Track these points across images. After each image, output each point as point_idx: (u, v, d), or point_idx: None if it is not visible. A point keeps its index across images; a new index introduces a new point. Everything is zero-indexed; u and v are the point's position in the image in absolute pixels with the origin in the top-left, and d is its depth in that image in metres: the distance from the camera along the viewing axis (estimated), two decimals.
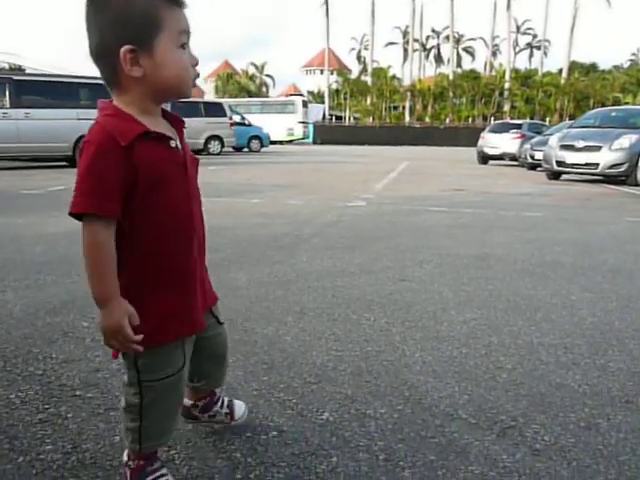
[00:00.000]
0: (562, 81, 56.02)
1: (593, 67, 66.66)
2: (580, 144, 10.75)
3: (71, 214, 1.06)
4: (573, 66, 60.64)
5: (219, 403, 1.57)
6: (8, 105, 11.40)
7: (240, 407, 1.60)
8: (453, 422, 1.66)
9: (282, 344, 2.26)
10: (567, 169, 11.06)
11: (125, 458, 1.32)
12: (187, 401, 1.54)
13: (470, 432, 1.61)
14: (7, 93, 11.43)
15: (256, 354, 2.15)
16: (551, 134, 13.50)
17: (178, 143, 1.18)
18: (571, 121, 16.71)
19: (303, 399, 1.79)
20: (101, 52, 1.09)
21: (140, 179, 1.08)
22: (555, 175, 11.58)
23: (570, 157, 10.83)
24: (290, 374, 1.97)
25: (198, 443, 1.54)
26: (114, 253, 1.08)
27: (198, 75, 1.18)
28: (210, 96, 60.11)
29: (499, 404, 1.78)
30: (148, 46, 1.07)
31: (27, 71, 19.43)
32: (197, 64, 1.16)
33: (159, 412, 1.25)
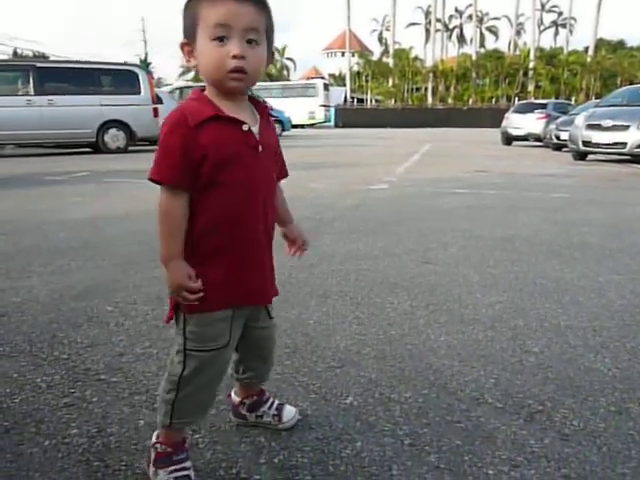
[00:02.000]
0: (588, 59, 54.77)
1: (621, 44, 64.88)
2: (607, 123, 10.47)
3: (150, 179, 1.18)
4: (600, 44, 59.17)
5: (267, 404, 1.54)
6: (32, 92, 11.52)
7: (290, 411, 1.55)
8: (479, 407, 1.63)
9: (305, 328, 2.24)
10: (594, 149, 10.80)
11: (154, 439, 1.33)
12: (235, 398, 1.55)
13: (497, 417, 1.58)
14: (30, 80, 11.55)
15: (279, 338, 2.12)
16: (577, 114, 13.18)
17: (254, 128, 1.23)
18: (598, 100, 16.28)
19: (327, 383, 1.78)
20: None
21: (207, 157, 1.15)
22: (581, 155, 11.33)
23: (597, 137, 10.57)
24: (313, 358, 1.96)
25: (222, 427, 1.54)
26: (180, 219, 1.18)
27: (238, 67, 1.16)
28: None
29: (526, 388, 1.74)
30: (193, 40, 1.18)
31: (51, 58, 19.54)
32: (238, 56, 1.15)
33: (197, 385, 1.26)
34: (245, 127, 1.21)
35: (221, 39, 1.15)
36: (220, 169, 1.17)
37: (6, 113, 11.16)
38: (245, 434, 1.50)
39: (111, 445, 1.44)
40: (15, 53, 44.12)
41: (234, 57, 1.15)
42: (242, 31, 1.15)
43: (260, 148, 1.24)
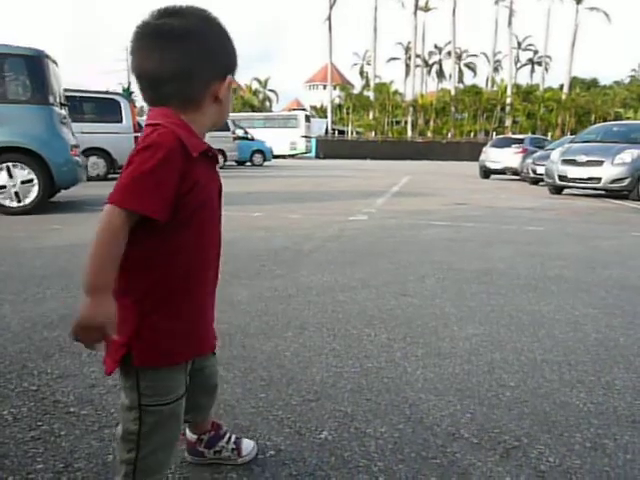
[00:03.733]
0: (563, 96, 56.23)
1: (594, 82, 67.01)
2: (582, 159, 10.74)
3: (134, 210, 1.02)
4: (574, 81, 60.95)
5: (225, 438, 1.49)
6: None
7: (249, 444, 1.52)
8: (455, 442, 1.62)
9: (281, 360, 2.22)
10: (569, 183, 11.04)
11: None
12: (192, 436, 1.48)
13: (472, 452, 1.57)
14: None
15: (254, 370, 2.11)
16: (553, 149, 13.49)
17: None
18: (573, 136, 16.72)
19: (302, 417, 1.75)
20: (192, 75, 1.13)
21: (192, 192, 1.09)
22: (557, 189, 11.57)
23: (572, 171, 10.82)
24: (289, 391, 1.94)
25: (193, 462, 1.50)
26: (123, 248, 1.04)
27: None
28: None
29: (502, 423, 1.74)
30: (231, 79, 1.19)
31: None
32: None
33: (158, 441, 1.17)
34: (217, 166, 1.23)
35: None
36: (198, 208, 1.13)
37: None
38: (216, 470, 1.47)
39: None
40: None
41: None
42: None
43: (220, 191, 1.25)
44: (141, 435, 1.15)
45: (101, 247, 1.02)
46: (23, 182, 6.47)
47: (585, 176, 10.62)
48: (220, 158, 19.49)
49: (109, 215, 1.01)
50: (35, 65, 6.49)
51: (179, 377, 1.18)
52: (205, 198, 1.15)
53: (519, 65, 67.31)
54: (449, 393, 1.95)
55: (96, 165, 12.13)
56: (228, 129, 19.83)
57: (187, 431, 1.49)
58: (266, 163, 24.43)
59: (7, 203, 6.47)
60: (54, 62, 6.91)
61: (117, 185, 1.04)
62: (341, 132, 59.62)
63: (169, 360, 1.16)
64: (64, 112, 7.10)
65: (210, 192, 1.18)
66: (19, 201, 6.47)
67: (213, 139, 18.84)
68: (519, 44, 66.18)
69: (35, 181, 6.49)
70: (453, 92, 60.45)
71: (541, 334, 2.60)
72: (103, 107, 12.44)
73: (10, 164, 6.42)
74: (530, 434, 1.67)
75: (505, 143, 18.17)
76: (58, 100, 6.86)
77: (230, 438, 1.50)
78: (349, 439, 1.63)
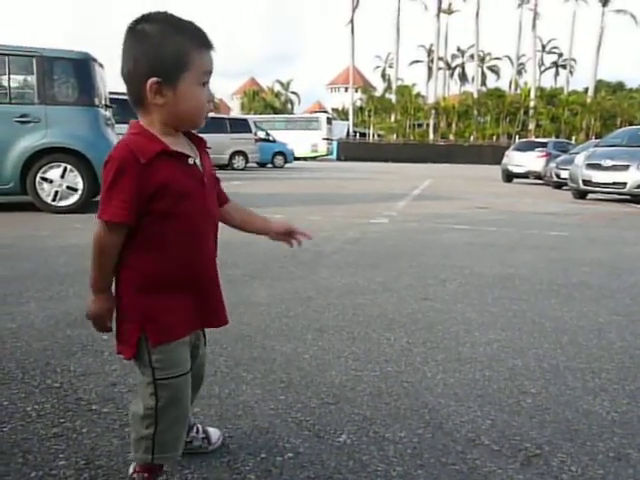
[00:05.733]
0: (588, 100, 55.53)
1: (620, 86, 66.01)
2: (607, 163, 10.58)
3: (104, 221, 1.19)
4: (599, 85, 60.14)
5: (194, 429, 1.55)
6: None
7: (215, 432, 1.59)
8: (475, 448, 1.61)
9: (300, 362, 2.22)
10: (594, 188, 10.88)
11: (131, 470, 1.32)
12: None
13: (493, 460, 1.55)
14: None
15: (274, 372, 2.11)
16: (577, 153, 13.32)
17: (197, 161, 1.28)
18: (597, 140, 16.47)
19: (320, 420, 1.75)
20: (131, 77, 1.21)
21: (158, 193, 1.18)
22: (581, 194, 11.40)
23: (597, 176, 10.66)
24: (308, 394, 1.94)
25: (213, 463, 1.51)
26: (115, 255, 1.22)
27: (213, 108, 1.35)
28: (236, 113, 60.84)
29: (523, 430, 1.72)
30: (173, 81, 1.19)
31: None
32: (213, 100, 1.31)
33: (173, 415, 1.26)
34: (190, 161, 1.25)
35: (204, 84, 1.24)
36: (173, 204, 1.20)
37: None
38: (236, 470, 1.47)
39: (99, 478, 1.41)
40: None
41: (209, 102, 1.27)
42: (209, 76, 1.26)
43: (205, 180, 1.29)
44: (158, 409, 1.25)
45: (94, 257, 1.23)
46: (69, 187, 6.66)
47: (610, 181, 10.46)
48: (241, 160, 19.64)
49: (96, 229, 1.21)
50: (82, 68, 6.68)
51: (184, 349, 1.28)
52: (182, 192, 1.21)
53: (543, 68, 66.67)
54: (469, 399, 1.93)
55: None
56: (250, 131, 19.94)
57: None
58: (287, 165, 24.50)
59: (47, 199, 6.65)
60: (100, 65, 7.09)
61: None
62: (362, 135, 59.53)
63: (173, 335, 1.25)
64: (108, 114, 7.22)
65: (184, 186, 1.22)
66: (54, 200, 6.65)
67: (234, 141, 19.01)
68: (543, 47, 65.55)
69: (79, 187, 6.65)
70: (476, 95, 60.06)
71: (564, 341, 2.57)
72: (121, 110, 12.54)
73: (69, 166, 6.60)
74: (552, 442, 1.65)
75: (528, 147, 18.00)
76: (103, 102, 7.01)
77: (199, 429, 1.56)
78: (368, 443, 1.62)
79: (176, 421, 1.28)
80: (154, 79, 1.17)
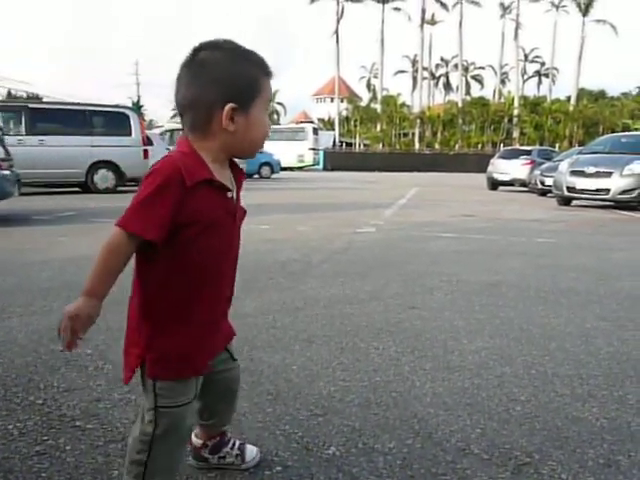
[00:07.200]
0: (571, 108, 56.20)
1: (602, 94, 66.92)
2: (590, 170, 10.69)
3: (130, 233, 1.12)
4: (582, 93, 60.88)
5: (229, 444, 1.53)
6: (24, 132, 11.58)
7: (252, 450, 1.55)
8: (465, 458, 1.59)
9: (288, 374, 2.20)
10: (578, 195, 10.97)
11: None
12: (197, 441, 1.52)
13: (483, 469, 1.54)
14: (23, 121, 11.63)
15: (262, 384, 2.09)
16: (561, 160, 13.45)
17: (234, 194, 1.26)
18: (581, 147, 16.66)
19: (309, 432, 1.73)
20: (197, 103, 1.19)
21: (191, 220, 1.15)
22: (566, 201, 11.50)
23: (581, 183, 10.76)
24: (296, 405, 1.91)
25: (200, 478, 1.48)
26: (124, 264, 1.14)
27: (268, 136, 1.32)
28: None
29: (513, 439, 1.71)
30: (247, 107, 1.19)
31: (44, 99, 19.62)
32: (270, 127, 1.31)
33: (168, 443, 1.23)
34: (229, 194, 1.24)
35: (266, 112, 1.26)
36: (201, 234, 1.17)
37: None
38: None
39: None
40: (9, 94, 44.55)
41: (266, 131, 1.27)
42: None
43: (237, 215, 1.27)
44: (155, 436, 1.21)
45: (100, 261, 1.13)
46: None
47: (594, 187, 10.56)
48: None
49: (113, 235, 1.14)
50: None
51: (190, 384, 1.24)
52: (209, 222, 1.18)
53: (526, 77, 67.36)
54: (459, 408, 1.92)
55: (105, 178, 12.20)
56: None
57: (193, 437, 1.51)
58: (274, 175, 24.48)
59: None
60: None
61: (126, 209, 1.14)
62: (349, 144, 59.75)
63: (173, 374, 1.21)
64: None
65: (217, 217, 1.20)
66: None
67: None
68: (526, 56, 66.28)
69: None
70: (460, 104, 60.55)
71: (552, 347, 2.57)
72: (113, 120, 12.54)
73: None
74: (542, 450, 1.64)
75: (513, 155, 18.15)
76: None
77: (234, 444, 1.53)
78: (357, 455, 1.61)
79: (172, 450, 1.25)
80: (232, 105, 1.17)
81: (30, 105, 12.54)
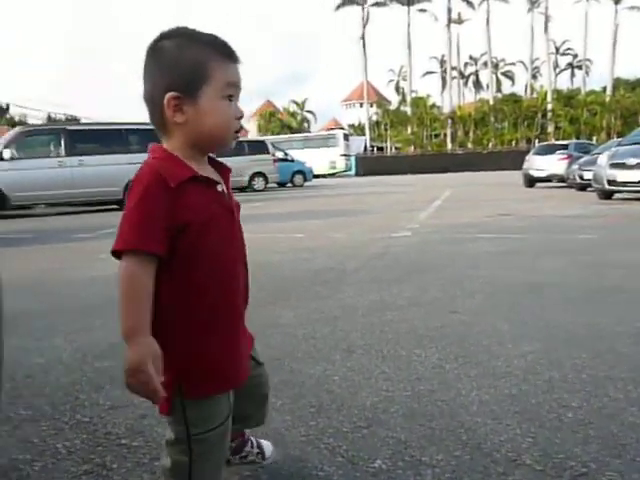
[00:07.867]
0: (607, 99, 54.82)
1: (639, 82, 65.01)
2: (631, 161, 10.38)
3: (114, 251, 1.08)
4: (618, 83, 59.32)
5: (249, 443, 1.52)
6: (63, 154, 11.97)
7: (268, 446, 1.56)
8: (517, 469, 1.53)
9: (330, 385, 2.17)
10: (619, 188, 10.67)
11: None
12: None
13: None
14: (62, 142, 12.03)
15: (304, 396, 2.07)
16: (600, 153, 13.10)
17: (224, 188, 1.20)
18: (619, 139, 16.18)
19: (353, 445, 1.70)
20: (151, 97, 1.14)
21: (187, 221, 1.08)
22: (607, 195, 11.19)
23: (622, 175, 10.45)
24: (339, 418, 1.89)
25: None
26: (150, 287, 1.07)
27: (241, 128, 1.23)
28: (253, 135, 61.43)
29: (567, 448, 1.64)
30: (193, 95, 1.11)
31: (82, 121, 20.23)
32: (242, 117, 1.20)
33: (208, 467, 1.17)
34: (219, 187, 1.17)
35: (230, 98, 1.15)
36: (201, 235, 1.10)
37: (39, 174, 11.61)
38: None
39: None
40: (49, 117, 46.19)
41: (238, 118, 1.18)
42: (237, 91, 1.18)
43: (234, 209, 1.21)
44: (192, 464, 1.14)
45: (123, 295, 1.06)
46: None
47: (636, 179, 10.24)
48: (261, 181, 19.85)
49: (120, 265, 1.07)
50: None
51: (223, 400, 1.18)
52: (206, 220, 1.11)
53: (558, 70, 66.19)
54: (507, 416, 1.86)
55: None
56: (268, 152, 20.15)
57: None
58: (307, 183, 24.59)
59: None
60: None
61: (118, 229, 1.08)
62: (380, 148, 59.63)
63: (212, 389, 1.15)
64: None
65: (213, 214, 1.14)
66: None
67: (253, 162, 19.20)
68: (557, 49, 65.12)
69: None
70: (492, 102, 59.76)
71: (602, 349, 2.47)
72: (148, 138, 12.75)
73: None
74: (598, 459, 1.57)
75: (549, 150, 17.80)
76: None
77: (253, 443, 1.53)
78: (404, 468, 1.57)
79: (211, 471, 1.19)
80: (171, 94, 1.09)
81: (69, 127, 12.95)
